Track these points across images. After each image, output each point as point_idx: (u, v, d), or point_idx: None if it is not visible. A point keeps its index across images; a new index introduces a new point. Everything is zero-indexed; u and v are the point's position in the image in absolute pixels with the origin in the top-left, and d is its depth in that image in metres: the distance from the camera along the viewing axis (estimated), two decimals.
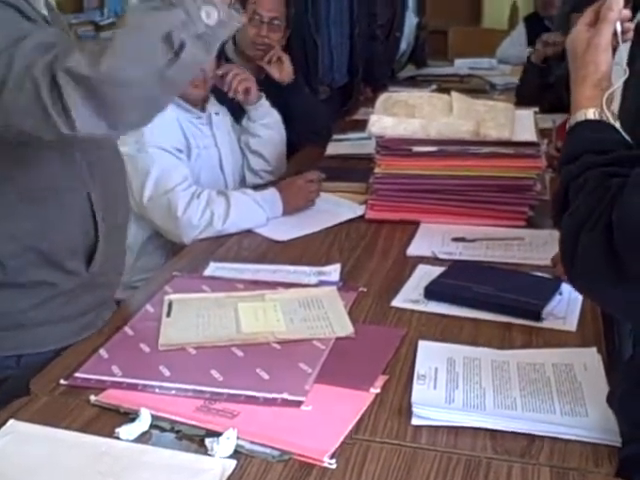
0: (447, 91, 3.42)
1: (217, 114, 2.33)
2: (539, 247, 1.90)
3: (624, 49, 1.20)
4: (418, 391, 1.25)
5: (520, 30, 4.65)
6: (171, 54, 1.17)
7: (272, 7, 2.67)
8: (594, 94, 1.12)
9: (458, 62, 4.42)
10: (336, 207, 2.20)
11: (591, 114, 1.11)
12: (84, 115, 1.17)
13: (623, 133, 1.11)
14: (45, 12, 1.43)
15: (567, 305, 1.57)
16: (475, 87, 3.76)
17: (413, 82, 3.93)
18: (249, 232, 2.05)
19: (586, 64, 1.13)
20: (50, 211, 1.42)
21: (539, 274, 1.72)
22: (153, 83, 1.19)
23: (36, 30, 1.27)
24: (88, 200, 1.45)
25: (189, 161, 2.15)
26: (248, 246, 1.99)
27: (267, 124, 2.41)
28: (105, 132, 1.22)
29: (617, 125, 1.12)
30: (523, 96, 3.30)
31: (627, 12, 1.16)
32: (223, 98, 2.38)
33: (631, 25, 1.17)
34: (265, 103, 2.42)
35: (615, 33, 1.14)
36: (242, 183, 2.43)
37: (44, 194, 1.40)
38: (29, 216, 1.40)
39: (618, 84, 1.15)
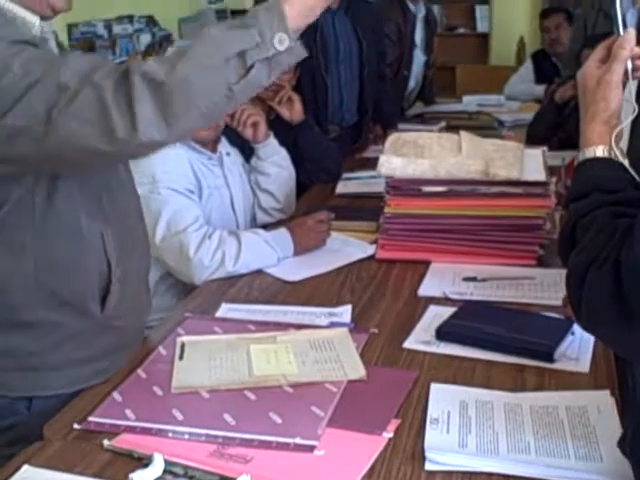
0: (456, 128, 3.47)
1: (228, 154, 2.35)
2: (550, 287, 1.90)
3: (633, 85, 1.21)
4: (431, 436, 1.25)
5: (528, 67, 4.68)
6: (243, 71, 1.21)
7: None
8: (604, 131, 1.13)
9: (466, 99, 4.44)
10: (347, 247, 2.20)
11: (600, 151, 1.11)
12: (149, 119, 1.19)
13: (632, 171, 1.12)
14: (56, 52, 1.46)
15: (579, 346, 1.57)
16: (483, 124, 3.77)
17: (422, 119, 3.96)
18: (260, 272, 2.06)
19: (596, 101, 1.14)
20: (63, 250, 1.43)
21: (550, 314, 1.71)
22: (221, 96, 1.22)
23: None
24: (101, 240, 1.46)
25: (201, 201, 2.17)
26: (259, 286, 1.99)
27: (276, 162, 2.44)
28: (164, 138, 1.23)
29: (626, 163, 1.12)
30: (535, 134, 3.31)
31: (638, 50, 1.17)
32: (234, 139, 2.41)
33: None
34: (273, 141, 2.44)
35: (626, 70, 1.16)
36: (253, 222, 2.45)
37: (59, 233, 1.41)
38: (42, 255, 1.40)
39: (627, 122, 1.16)
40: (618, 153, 1.12)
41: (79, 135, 1.21)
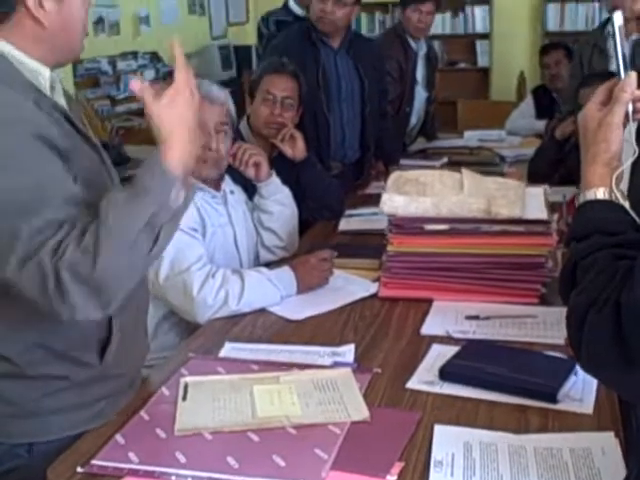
0: (458, 164, 3.52)
1: (232, 193, 2.37)
2: (552, 325, 1.90)
3: (633, 126, 1.22)
4: (435, 479, 1.25)
5: (528, 102, 4.72)
6: (153, 237, 1.31)
7: (285, 87, 2.74)
8: (604, 172, 1.14)
9: (467, 134, 4.46)
10: (349, 285, 2.21)
11: (601, 193, 1.13)
12: (83, 306, 1.29)
13: (632, 213, 1.13)
14: (64, 102, 1.47)
15: (582, 386, 1.56)
16: (485, 160, 3.79)
17: (424, 155, 3.97)
18: (263, 311, 2.06)
19: (597, 142, 1.15)
20: None
21: (553, 354, 1.71)
22: (142, 266, 1.38)
23: (48, 202, 1.29)
24: None
25: (204, 240, 2.18)
26: (262, 325, 2.00)
27: (278, 200, 2.45)
28: (103, 314, 1.35)
29: (627, 205, 1.13)
30: (536, 170, 3.32)
31: (639, 93, 1.18)
32: (237, 177, 2.43)
33: None
34: (276, 180, 2.46)
35: (627, 113, 1.17)
36: (256, 260, 2.45)
37: None
38: (35, 313, 1.37)
39: (627, 163, 1.17)
40: (619, 195, 1.13)
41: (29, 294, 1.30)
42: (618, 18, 1.20)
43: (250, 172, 2.40)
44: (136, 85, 1.35)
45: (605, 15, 4.18)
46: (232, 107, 2.29)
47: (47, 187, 1.29)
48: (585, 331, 0.99)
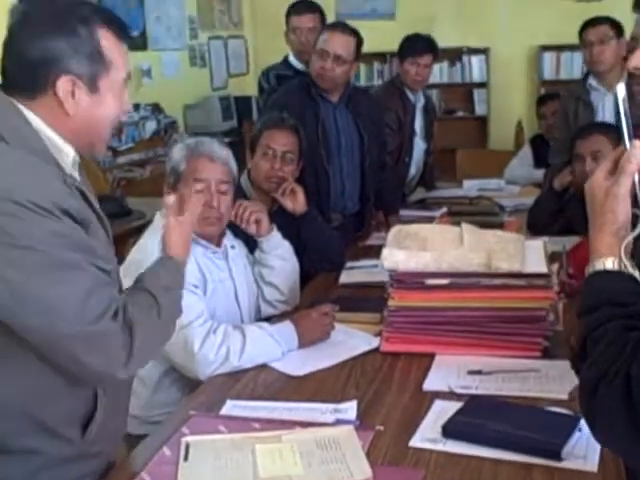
0: (457, 214, 3.54)
1: (233, 247, 2.38)
2: (555, 379, 1.89)
3: None
4: None
5: (526, 152, 4.76)
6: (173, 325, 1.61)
7: (285, 142, 2.76)
8: (613, 242, 1.14)
9: (467, 184, 4.48)
10: (351, 339, 2.21)
11: (610, 264, 1.13)
12: (137, 362, 1.43)
13: None
14: (76, 174, 1.48)
15: (587, 443, 1.55)
16: (485, 210, 3.80)
17: (424, 205, 3.99)
18: (265, 366, 2.06)
19: (604, 212, 1.15)
20: (49, 377, 1.41)
21: (557, 410, 1.71)
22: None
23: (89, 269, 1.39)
24: None
25: (205, 295, 2.19)
26: (264, 382, 1.99)
27: (279, 255, 2.46)
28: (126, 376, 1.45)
29: (636, 274, 1.13)
30: (536, 221, 3.34)
31: None
32: (238, 231, 2.44)
33: None
34: (277, 234, 2.47)
35: (634, 183, 1.16)
36: (257, 314, 2.46)
37: (45, 361, 1.38)
38: (27, 382, 1.39)
39: (635, 232, 1.17)
40: (628, 264, 1.13)
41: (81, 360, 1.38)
42: (621, 91, 1.22)
43: (251, 229, 2.41)
44: (170, 200, 1.74)
45: (584, 67, 4.24)
46: (234, 165, 2.31)
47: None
48: (597, 403, 0.99)
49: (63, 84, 1.38)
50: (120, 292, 1.51)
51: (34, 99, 1.39)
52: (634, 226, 1.15)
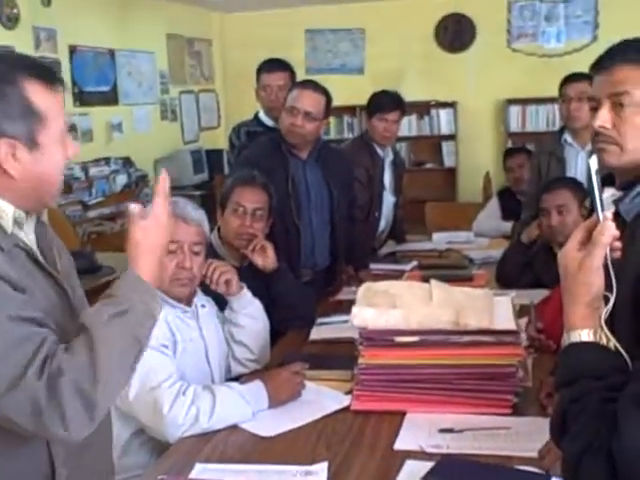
0: (427, 268, 3.56)
1: (203, 306, 2.37)
2: (526, 436, 1.90)
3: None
4: None
5: (494, 204, 4.82)
6: (139, 347, 1.40)
7: (255, 199, 2.78)
8: (587, 314, 1.15)
9: (436, 236, 4.53)
10: (321, 398, 2.19)
11: (585, 335, 1.14)
12: (79, 421, 1.31)
13: (622, 352, 1.14)
14: (32, 238, 1.45)
15: None
16: (454, 263, 3.82)
17: (394, 259, 4.01)
18: (235, 427, 2.03)
19: (577, 284, 1.16)
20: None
21: (528, 468, 1.71)
22: (129, 375, 1.43)
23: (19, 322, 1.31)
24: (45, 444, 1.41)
25: (175, 356, 2.17)
26: (234, 443, 1.97)
27: (249, 314, 2.45)
28: (90, 428, 1.34)
29: (611, 344, 1.14)
30: (504, 274, 3.37)
31: (617, 233, 1.20)
32: (208, 289, 2.43)
33: (619, 244, 1.21)
34: (247, 293, 2.47)
35: (606, 255, 1.18)
36: (227, 373, 2.44)
37: None
38: None
39: (609, 305, 1.17)
40: (609, 335, 1.15)
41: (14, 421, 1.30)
42: (594, 163, 1.25)
43: (221, 288, 2.41)
44: (135, 209, 1.47)
45: (558, 123, 4.32)
46: (207, 226, 2.33)
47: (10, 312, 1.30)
48: (582, 476, 1.00)
49: (1, 148, 1.35)
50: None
51: None
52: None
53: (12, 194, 1.39)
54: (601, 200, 1.22)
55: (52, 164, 1.41)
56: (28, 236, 1.46)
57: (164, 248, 1.50)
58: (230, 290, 2.42)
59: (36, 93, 1.37)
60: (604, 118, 1.52)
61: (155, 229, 1.46)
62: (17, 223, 1.42)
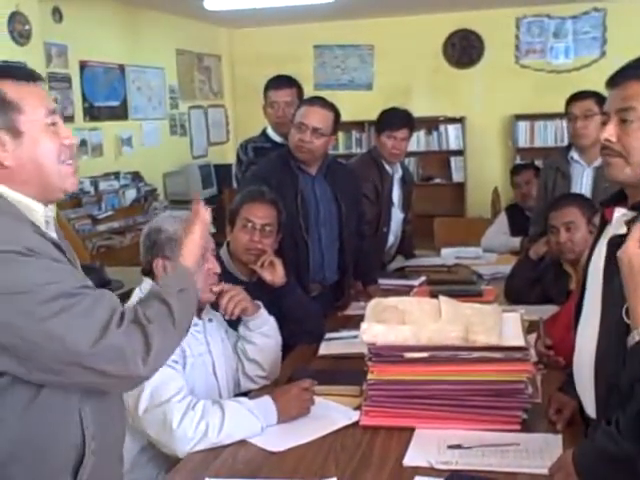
0: (436, 283, 3.56)
1: (210, 321, 2.38)
2: (535, 453, 1.90)
3: None
4: None
5: (502, 220, 4.81)
6: (191, 319, 1.71)
7: (264, 214, 2.80)
8: None
9: (444, 252, 4.53)
10: (330, 413, 2.19)
11: None
12: (156, 359, 1.50)
13: None
14: (52, 233, 1.54)
15: None
16: (463, 278, 3.82)
17: (402, 274, 4.01)
18: (244, 442, 2.04)
19: None
20: (39, 426, 1.44)
21: None
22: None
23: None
24: (79, 415, 1.48)
25: (184, 370, 2.18)
26: (243, 458, 1.97)
27: (264, 332, 2.45)
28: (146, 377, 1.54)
29: None
30: (512, 290, 3.37)
31: None
32: (215, 305, 2.43)
33: None
34: (263, 312, 2.46)
35: None
36: (236, 388, 2.44)
37: (36, 409, 1.44)
38: (18, 430, 1.42)
39: None
40: None
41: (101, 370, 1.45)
42: None
43: (236, 315, 2.40)
44: (200, 203, 1.88)
45: (566, 139, 4.31)
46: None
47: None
48: None
49: None
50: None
51: None
52: None
53: (17, 185, 1.49)
54: None
55: (43, 150, 1.51)
56: (53, 234, 1.55)
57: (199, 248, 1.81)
58: (246, 314, 2.42)
59: (8, 87, 1.48)
60: (610, 132, 1.57)
61: (195, 232, 1.81)
62: (46, 223, 1.53)
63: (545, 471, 1.75)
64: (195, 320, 2.29)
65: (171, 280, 1.67)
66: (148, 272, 2.27)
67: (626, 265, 1.23)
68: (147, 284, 2.26)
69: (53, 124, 1.52)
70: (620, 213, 1.64)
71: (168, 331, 1.53)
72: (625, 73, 1.60)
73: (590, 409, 1.74)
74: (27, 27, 4.83)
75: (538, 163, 5.43)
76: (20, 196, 1.49)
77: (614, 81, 1.62)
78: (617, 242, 1.49)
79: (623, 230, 1.55)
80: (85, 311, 1.42)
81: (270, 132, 3.77)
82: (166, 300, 1.56)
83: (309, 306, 2.89)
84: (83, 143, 5.97)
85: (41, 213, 1.51)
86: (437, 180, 7.95)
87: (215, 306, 2.44)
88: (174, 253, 2.19)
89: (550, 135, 7.54)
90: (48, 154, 1.51)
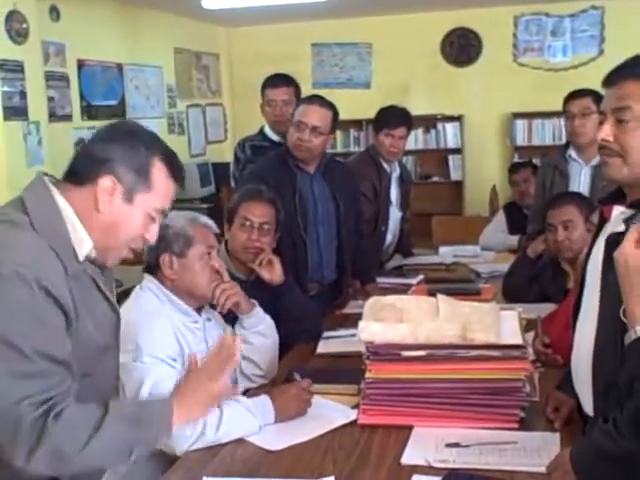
0: (434, 282, 3.56)
1: (209, 320, 2.38)
2: (533, 452, 1.90)
3: None
4: None
5: (500, 218, 4.82)
6: (127, 457, 1.62)
7: (262, 213, 2.80)
8: None
9: (443, 250, 4.53)
10: (328, 411, 2.19)
11: None
12: (42, 465, 1.45)
13: None
14: (97, 270, 1.64)
15: None
16: (461, 276, 3.83)
17: (401, 272, 4.02)
18: (242, 441, 2.04)
19: None
20: None
21: None
22: (107, 467, 1.68)
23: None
24: None
25: (183, 369, 2.17)
26: (241, 457, 1.97)
27: (260, 331, 2.45)
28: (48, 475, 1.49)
29: None
30: (510, 288, 3.37)
31: None
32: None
33: None
34: (258, 311, 2.47)
35: None
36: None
37: None
38: None
39: None
40: None
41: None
42: None
43: (228, 309, 2.41)
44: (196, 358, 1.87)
45: (564, 138, 4.30)
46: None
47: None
48: None
49: (105, 181, 1.57)
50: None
51: (81, 186, 1.58)
52: None
53: (90, 226, 1.57)
54: None
55: (129, 225, 1.61)
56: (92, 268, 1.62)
57: (204, 402, 1.81)
58: (239, 310, 2.42)
59: (159, 169, 1.63)
60: (607, 131, 1.57)
61: (192, 382, 1.81)
62: (88, 256, 1.59)
63: (543, 469, 1.76)
64: (195, 317, 2.30)
65: (149, 407, 1.71)
66: (153, 267, 2.28)
67: (622, 265, 1.24)
68: (148, 281, 2.27)
69: (152, 219, 1.65)
70: (618, 211, 1.64)
71: (76, 440, 1.48)
72: (621, 72, 1.60)
73: (588, 407, 1.74)
74: (25, 26, 4.83)
75: (536, 161, 5.45)
76: (79, 225, 1.56)
77: (610, 80, 1.61)
78: (615, 240, 1.49)
79: (621, 228, 1.55)
80: (17, 374, 1.42)
81: (267, 131, 3.78)
82: (109, 413, 1.53)
83: (307, 305, 2.89)
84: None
85: (88, 248, 1.58)
86: (435, 178, 7.94)
87: (213, 305, 2.45)
88: (180, 249, 2.26)
89: (548, 133, 7.54)
90: (130, 231, 1.62)
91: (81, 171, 1.59)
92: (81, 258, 1.56)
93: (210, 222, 2.38)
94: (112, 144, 1.59)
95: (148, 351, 2.08)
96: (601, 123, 1.63)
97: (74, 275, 1.54)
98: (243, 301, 2.41)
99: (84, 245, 1.57)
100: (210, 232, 2.34)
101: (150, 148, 1.63)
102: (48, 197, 1.55)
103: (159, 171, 1.63)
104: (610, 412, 1.49)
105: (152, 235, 1.67)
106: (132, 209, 1.60)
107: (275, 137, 3.70)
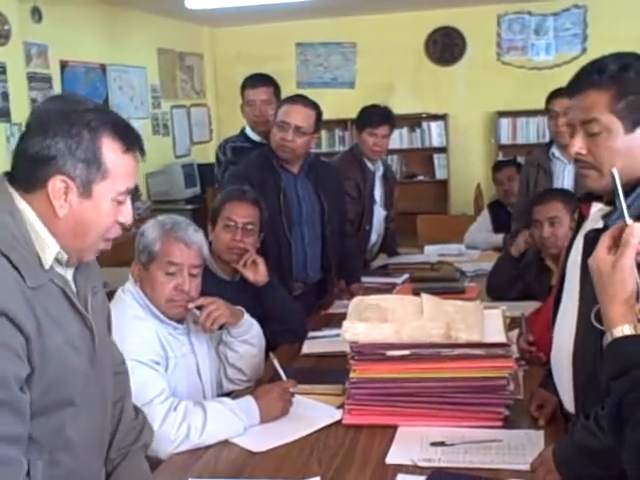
0: (419, 280, 3.57)
1: (195, 322, 2.37)
2: (517, 449, 1.90)
3: None
4: None
5: (485, 217, 4.83)
6: None
7: (246, 214, 2.79)
8: (625, 310, 1.21)
9: (428, 249, 4.54)
10: (313, 412, 2.19)
11: (627, 330, 1.20)
12: None
13: None
14: (69, 276, 1.51)
15: None
16: (446, 275, 3.83)
17: (386, 272, 4.02)
18: (227, 442, 2.04)
19: (613, 284, 1.23)
20: None
21: None
22: None
23: None
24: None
25: (166, 372, 2.17)
26: (226, 459, 1.97)
27: (246, 340, 2.43)
28: None
29: None
30: (494, 286, 3.38)
31: None
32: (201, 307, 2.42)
33: None
34: (246, 320, 2.43)
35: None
36: (219, 388, 2.43)
37: None
38: None
39: None
40: None
41: None
42: (616, 173, 1.30)
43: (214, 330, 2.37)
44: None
45: (548, 136, 4.31)
46: (206, 249, 2.34)
47: None
48: None
49: (55, 183, 1.41)
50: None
51: (32, 193, 1.43)
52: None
53: (54, 230, 1.44)
54: (627, 207, 1.26)
55: (97, 218, 1.46)
56: (67, 271, 1.50)
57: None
58: (227, 325, 2.39)
59: (110, 150, 1.45)
60: (579, 144, 1.58)
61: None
62: (57, 259, 1.46)
63: (527, 467, 1.77)
64: (176, 324, 2.27)
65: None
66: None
67: (595, 271, 1.26)
68: (130, 284, 2.25)
69: (120, 202, 1.49)
70: (597, 208, 1.64)
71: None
72: (581, 81, 1.59)
73: (569, 404, 1.75)
74: (6, 27, 4.80)
75: (520, 160, 5.46)
76: (43, 229, 1.43)
77: (571, 90, 1.60)
78: (594, 237, 1.50)
79: (600, 224, 1.56)
80: None
81: (248, 131, 3.77)
82: None
83: (292, 305, 2.88)
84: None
85: (53, 253, 1.44)
86: (420, 177, 7.95)
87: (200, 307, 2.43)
88: (145, 261, 2.21)
89: (532, 132, 7.57)
90: (99, 223, 1.47)
91: (26, 177, 1.43)
92: (47, 266, 1.43)
93: (192, 238, 2.25)
94: (50, 138, 1.41)
95: (131, 354, 2.05)
96: (571, 136, 1.63)
97: (36, 287, 1.39)
98: (230, 319, 2.37)
99: (48, 251, 1.43)
100: (185, 248, 2.22)
101: (93, 128, 1.43)
102: (9, 201, 1.42)
103: (110, 151, 1.44)
104: (590, 409, 1.49)
105: (126, 216, 1.51)
106: (93, 203, 1.44)
107: (256, 137, 3.70)
